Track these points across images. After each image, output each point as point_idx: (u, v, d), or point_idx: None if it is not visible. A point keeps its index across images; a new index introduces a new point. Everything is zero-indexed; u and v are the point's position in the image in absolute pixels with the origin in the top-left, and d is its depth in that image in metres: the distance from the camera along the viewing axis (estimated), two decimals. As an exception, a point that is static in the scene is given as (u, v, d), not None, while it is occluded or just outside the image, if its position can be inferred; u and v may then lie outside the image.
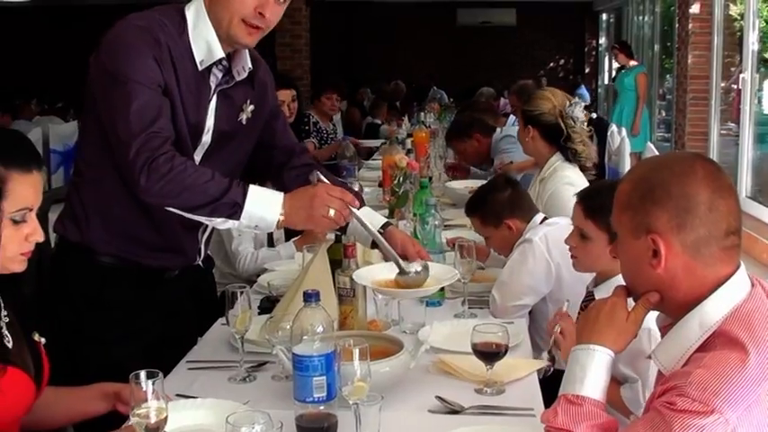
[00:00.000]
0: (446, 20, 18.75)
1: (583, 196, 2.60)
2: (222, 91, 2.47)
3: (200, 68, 2.38)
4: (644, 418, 1.58)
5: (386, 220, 2.67)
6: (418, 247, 2.57)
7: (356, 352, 1.89)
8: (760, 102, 8.27)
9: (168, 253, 2.56)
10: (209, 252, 2.80)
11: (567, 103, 3.68)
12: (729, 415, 1.46)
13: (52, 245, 2.59)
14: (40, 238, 1.87)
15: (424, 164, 5.46)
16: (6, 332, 1.89)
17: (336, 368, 1.92)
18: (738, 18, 9.30)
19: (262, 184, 2.99)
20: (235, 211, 2.24)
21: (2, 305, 1.92)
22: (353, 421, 1.87)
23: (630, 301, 1.76)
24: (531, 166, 4.42)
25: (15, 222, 1.81)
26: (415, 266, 2.46)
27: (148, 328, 2.56)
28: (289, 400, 1.99)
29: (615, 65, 13.32)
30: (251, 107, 2.55)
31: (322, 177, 2.40)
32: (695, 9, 9.21)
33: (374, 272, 2.55)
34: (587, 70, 19.47)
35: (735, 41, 9.42)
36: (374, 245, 2.57)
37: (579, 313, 2.27)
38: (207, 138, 2.46)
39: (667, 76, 13.08)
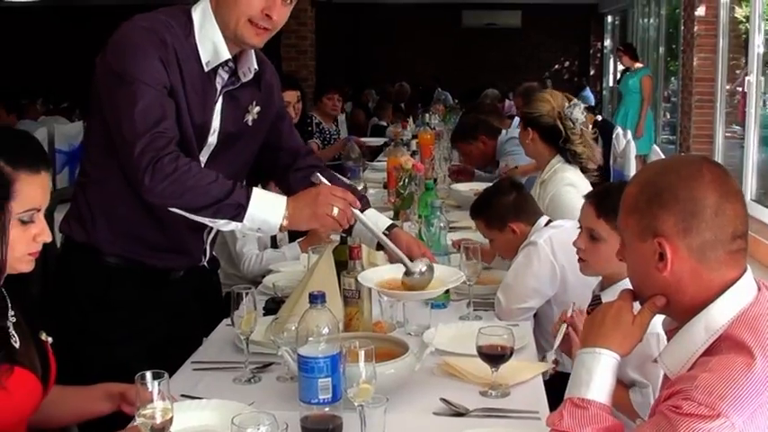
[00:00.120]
0: (451, 22, 18.76)
1: (594, 196, 2.60)
2: (228, 92, 2.47)
3: (206, 69, 2.38)
4: (650, 422, 1.58)
5: (391, 221, 2.67)
6: (423, 249, 2.57)
7: (362, 354, 1.89)
8: (765, 104, 8.26)
9: (173, 253, 2.56)
10: (213, 253, 2.80)
11: (566, 104, 3.67)
12: (735, 419, 1.46)
13: (58, 245, 2.60)
14: (48, 238, 1.88)
15: (429, 165, 5.46)
16: (14, 332, 1.90)
17: (342, 370, 1.92)
18: (744, 20, 9.30)
19: (265, 185, 3.01)
20: (238, 212, 2.25)
21: (9, 305, 1.92)
22: (358, 423, 1.87)
23: (637, 305, 1.76)
24: (534, 169, 4.42)
25: (23, 223, 1.82)
26: (420, 266, 2.47)
27: (153, 329, 2.56)
28: (294, 402, 1.99)
29: (620, 67, 13.31)
30: (257, 108, 2.56)
31: (323, 179, 2.41)
32: (701, 11, 9.19)
33: (379, 273, 2.56)
34: (592, 72, 19.46)
35: (740, 44, 9.43)
36: (379, 246, 2.57)
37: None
38: (213, 139, 2.47)
39: (672, 78, 13.08)
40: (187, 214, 2.27)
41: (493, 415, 2.13)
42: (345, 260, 2.62)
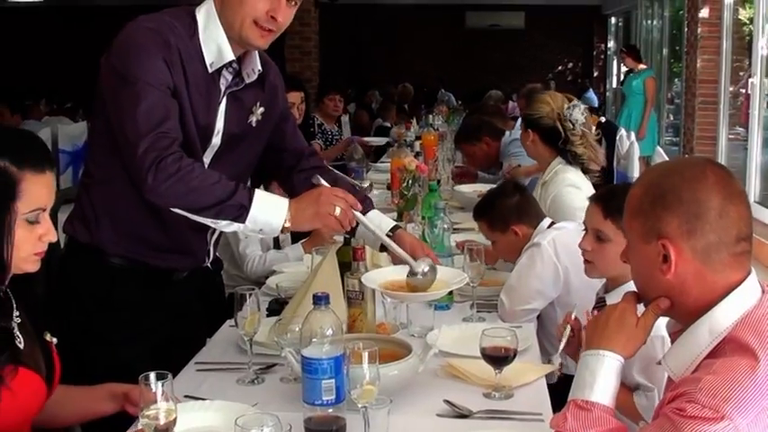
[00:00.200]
0: (454, 23, 18.75)
1: (600, 197, 2.60)
2: (232, 93, 2.47)
3: (210, 70, 2.39)
4: (653, 425, 1.58)
5: (394, 223, 2.67)
6: (427, 251, 2.58)
7: (365, 355, 1.89)
8: (768, 106, 8.26)
9: (177, 254, 2.56)
10: (217, 254, 2.80)
11: (566, 105, 3.67)
12: (739, 422, 1.45)
13: (61, 246, 2.60)
14: (54, 237, 1.88)
15: (433, 167, 5.46)
16: (18, 333, 1.90)
17: (345, 371, 1.92)
18: (748, 22, 9.30)
19: (268, 185, 3.01)
20: (241, 213, 2.25)
21: (14, 305, 1.92)
22: (362, 424, 1.87)
23: (641, 307, 1.76)
24: (537, 170, 4.42)
25: (29, 223, 1.82)
26: (422, 266, 2.47)
27: (156, 329, 2.56)
28: (297, 403, 1.99)
29: (623, 68, 13.30)
30: (261, 109, 2.56)
31: (323, 182, 2.41)
32: (704, 13, 9.19)
33: (383, 275, 2.56)
34: (596, 74, 19.45)
35: (744, 46, 9.42)
36: (383, 248, 2.57)
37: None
38: (216, 140, 2.47)
39: (676, 80, 13.07)
40: (189, 215, 2.27)
41: (496, 417, 2.13)
42: (349, 261, 2.62)
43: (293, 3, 2.36)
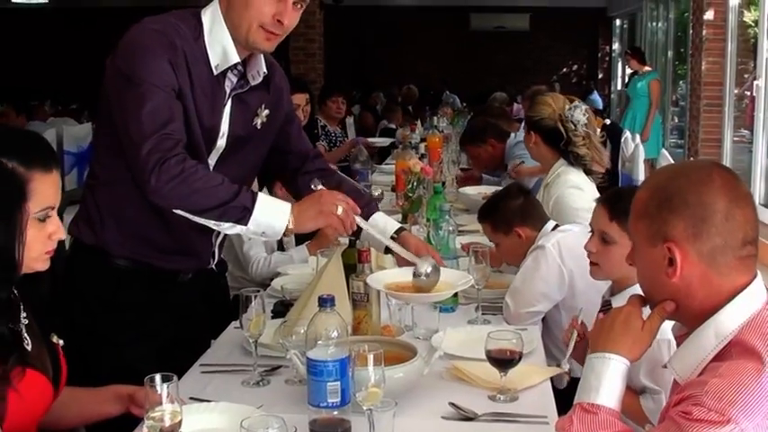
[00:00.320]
0: (459, 25, 18.74)
1: (607, 199, 2.59)
2: (237, 95, 2.47)
3: (215, 73, 2.39)
4: (659, 428, 1.58)
5: (399, 225, 2.67)
6: (432, 253, 2.58)
7: (370, 357, 1.89)
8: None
9: (182, 256, 2.56)
10: (222, 256, 2.81)
11: (567, 106, 3.67)
12: (745, 425, 1.45)
13: (66, 247, 2.60)
14: (63, 235, 1.90)
15: (437, 169, 5.46)
16: (26, 335, 1.90)
17: (350, 373, 1.92)
18: (753, 24, 9.28)
19: (271, 186, 3.02)
20: (244, 215, 2.25)
21: (21, 307, 1.93)
22: (367, 427, 1.87)
23: (646, 310, 1.75)
24: (540, 171, 4.41)
25: (39, 221, 1.83)
26: (425, 267, 2.47)
27: (161, 331, 2.56)
28: (302, 405, 1.99)
29: (628, 71, 13.29)
30: (266, 111, 2.56)
31: (321, 187, 2.41)
32: (709, 15, 9.18)
33: (388, 277, 2.56)
34: (600, 76, 19.43)
35: (749, 48, 9.41)
36: (387, 250, 2.58)
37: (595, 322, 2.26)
38: (222, 142, 2.47)
39: (680, 82, 13.06)
40: (192, 216, 2.27)
41: (501, 419, 2.13)
42: (354, 263, 2.62)
43: (299, 6, 2.36)
